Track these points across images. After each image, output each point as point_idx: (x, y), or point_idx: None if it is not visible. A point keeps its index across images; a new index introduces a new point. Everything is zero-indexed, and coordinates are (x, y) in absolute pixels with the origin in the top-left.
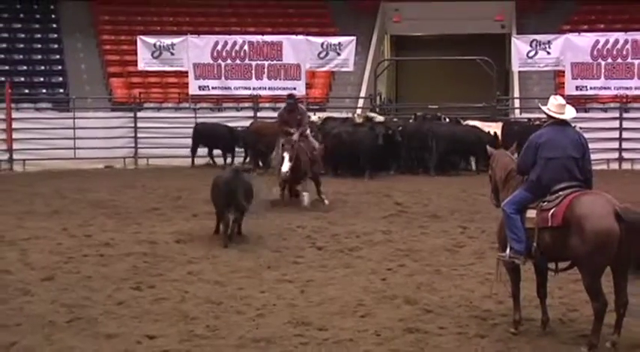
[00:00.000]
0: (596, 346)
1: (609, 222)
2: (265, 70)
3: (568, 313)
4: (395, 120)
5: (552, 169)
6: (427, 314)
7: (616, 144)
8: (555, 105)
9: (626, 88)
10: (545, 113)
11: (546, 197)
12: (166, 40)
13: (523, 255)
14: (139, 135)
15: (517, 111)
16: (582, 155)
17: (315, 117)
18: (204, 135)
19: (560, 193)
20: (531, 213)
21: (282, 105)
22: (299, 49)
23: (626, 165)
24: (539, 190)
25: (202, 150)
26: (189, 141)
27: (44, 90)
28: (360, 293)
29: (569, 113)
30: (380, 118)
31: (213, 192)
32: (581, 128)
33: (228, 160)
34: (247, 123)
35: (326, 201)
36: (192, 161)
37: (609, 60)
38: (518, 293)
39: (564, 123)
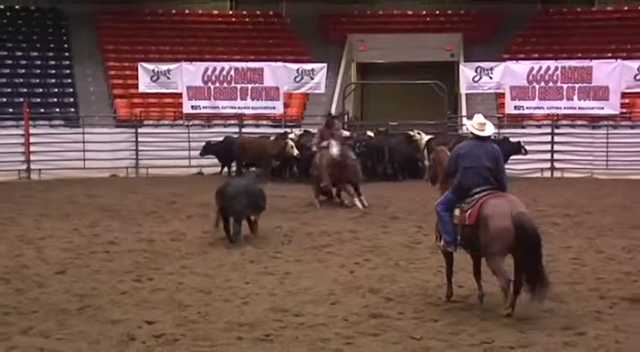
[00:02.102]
0: (511, 315)
1: (506, 223)
2: (249, 92)
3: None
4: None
5: (469, 176)
6: (389, 301)
7: (548, 156)
8: (477, 124)
9: (557, 108)
10: (470, 129)
11: (466, 199)
12: (163, 66)
13: (453, 244)
14: (139, 148)
15: (464, 127)
16: (496, 165)
17: (292, 134)
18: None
19: (476, 196)
20: (457, 212)
21: (263, 122)
22: (278, 74)
23: (557, 174)
24: (461, 193)
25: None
26: (184, 153)
27: (57, 110)
28: (331, 284)
29: (489, 130)
30: (346, 133)
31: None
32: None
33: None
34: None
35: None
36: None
37: (542, 84)
38: (451, 274)
39: (484, 138)
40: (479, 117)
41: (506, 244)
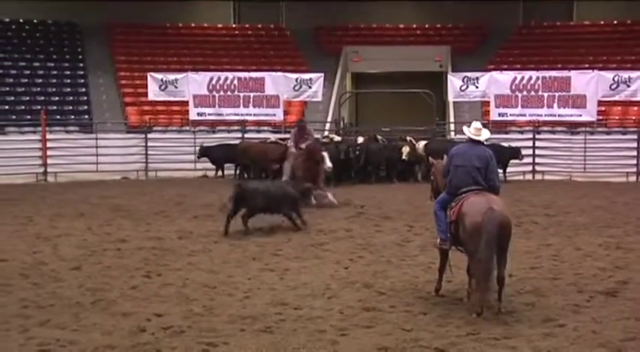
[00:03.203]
0: (481, 313)
1: (478, 220)
2: (251, 99)
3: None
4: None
5: (460, 175)
6: (381, 296)
7: (530, 160)
8: (474, 129)
9: (538, 115)
10: (466, 134)
11: (455, 198)
12: (171, 76)
13: (447, 241)
14: (149, 152)
15: (452, 133)
16: (486, 166)
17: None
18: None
19: (462, 195)
20: (448, 210)
21: (265, 128)
22: (278, 83)
23: (538, 176)
24: (453, 191)
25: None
26: (190, 157)
27: (72, 117)
28: (328, 279)
29: (485, 135)
30: (338, 138)
31: None
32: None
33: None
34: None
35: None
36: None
37: (524, 93)
38: (443, 270)
39: (478, 142)
40: (476, 124)
41: (478, 241)
